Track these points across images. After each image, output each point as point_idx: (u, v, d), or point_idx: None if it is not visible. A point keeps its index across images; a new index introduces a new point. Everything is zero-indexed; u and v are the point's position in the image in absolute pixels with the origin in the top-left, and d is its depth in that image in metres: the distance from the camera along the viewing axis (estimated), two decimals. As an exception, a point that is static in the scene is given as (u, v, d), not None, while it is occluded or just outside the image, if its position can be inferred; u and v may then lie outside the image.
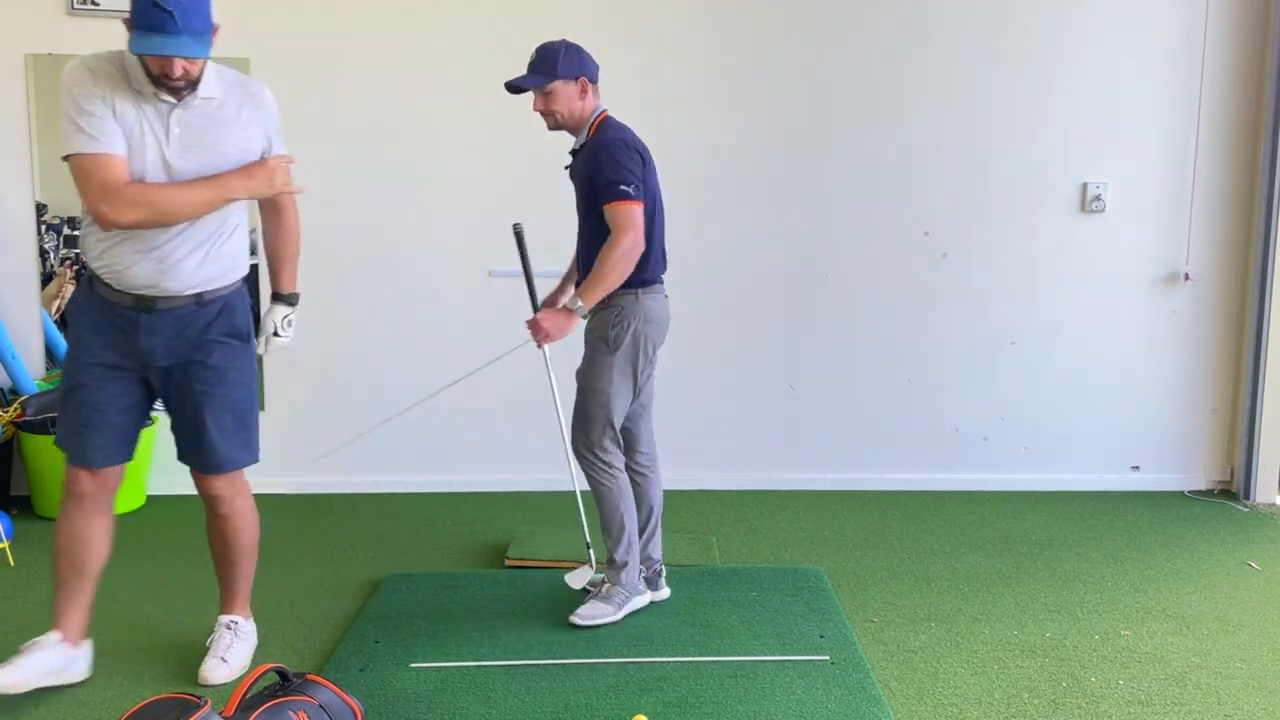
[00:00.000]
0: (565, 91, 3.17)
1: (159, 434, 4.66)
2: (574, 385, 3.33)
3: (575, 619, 3.24)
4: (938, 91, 4.71)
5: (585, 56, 3.23)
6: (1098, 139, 4.74)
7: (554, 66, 3.16)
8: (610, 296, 3.17)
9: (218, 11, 2.80)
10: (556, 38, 3.27)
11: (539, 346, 3.28)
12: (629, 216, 3.08)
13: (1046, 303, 4.83)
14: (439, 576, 3.69)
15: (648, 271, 3.21)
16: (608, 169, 3.10)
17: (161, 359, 2.81)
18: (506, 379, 4.75)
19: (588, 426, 3.26)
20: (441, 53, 4.61)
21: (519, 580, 3.63)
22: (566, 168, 3.31)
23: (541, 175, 4.40)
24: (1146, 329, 4.85)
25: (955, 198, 4.77)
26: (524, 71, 3.22)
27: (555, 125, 3.24)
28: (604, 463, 3.26)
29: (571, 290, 3.33)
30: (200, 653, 3.12)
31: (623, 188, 3.09)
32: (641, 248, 3.12)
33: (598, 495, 3.29)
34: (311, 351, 4.74)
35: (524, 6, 4.60)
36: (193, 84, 2.71)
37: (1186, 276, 4.79)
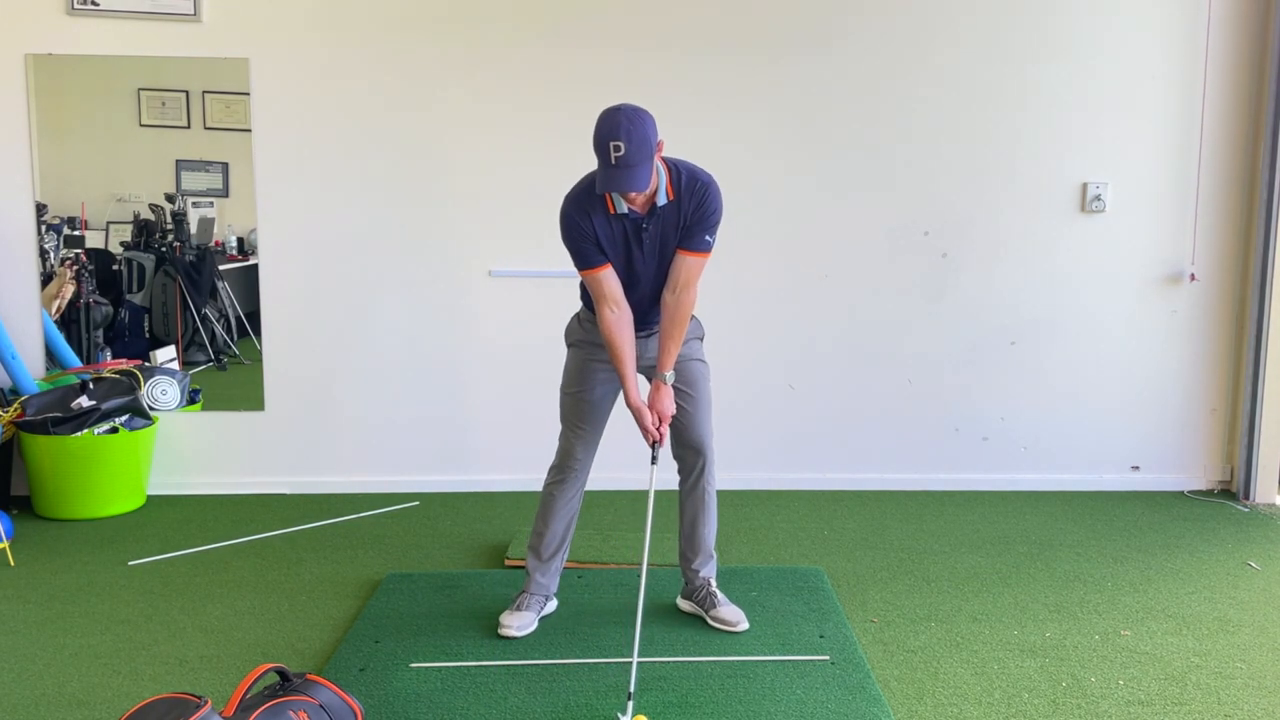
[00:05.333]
0: (652, 169, 2.93)
1: (159, 434, 4.66)
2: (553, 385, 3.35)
3: (740, 625, 3.26)
4: (938, 92, 4.71)
5: (648, 113, 2.92)
6: (1098, 139, 4.74)
7: (652, 146, 2.87)
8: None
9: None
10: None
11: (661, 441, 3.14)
12: (696, 275, 3.06)
13: (1046, 303, 4.83)
14: (439, 576, 3.69)
15: None
16: (710, 219, 3.02)
17: None
18: (506, 379, 4.77)
19: (710, 419, 3.29)
20: (442, 52, 4.60)
21: (519, 580, 3.62)
22: (640, 224, 3.02)
23: (542, 174, 4.40)
24: (1146, 329, 4.85)
25: (955, 198, 4.77)
26: (600, 161, 2.88)
27: (645, 200, 2.98)
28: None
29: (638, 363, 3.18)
30: (199, 653, 3.13)
31: (711, 240, 3.04)
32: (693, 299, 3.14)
33: (713, 494, 3.34)
34: (312, 352, 4.75)
35: (525, 7, 4.60)
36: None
37: (1192, 277, 4.79)
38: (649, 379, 3.21)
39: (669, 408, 3.12)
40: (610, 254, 3.04)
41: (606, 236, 3.03)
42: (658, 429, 3.11)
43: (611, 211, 3.01)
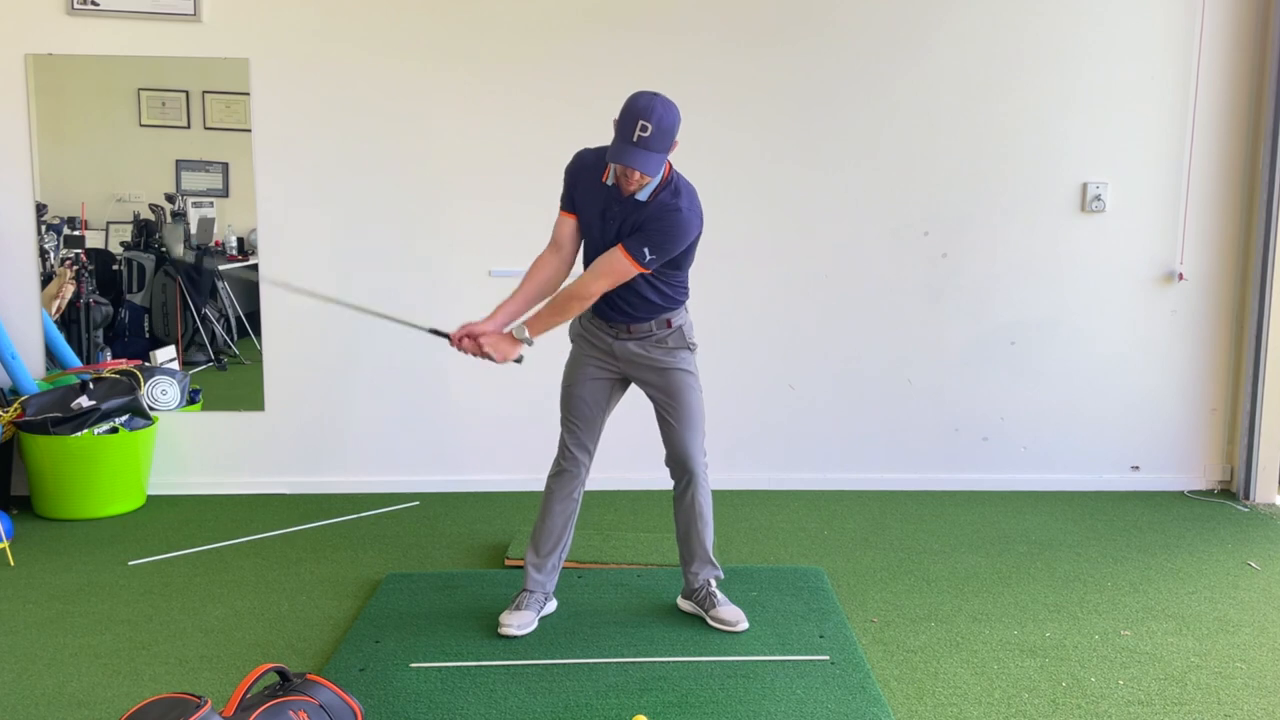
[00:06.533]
0: (665, 162, 2.99)
1: (159, 434, 4.66)
2: (557, 385, 3.35)
3: (740, 625, 3.25)
4: (938, 92, 4.71)
5: (679, 113, 2.99)
6: (1098, 139, 4.74)
7: (671, 141, 2.95)
8: (670, 318, 3.17)
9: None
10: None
11: (462, 350, 3.18)
12: (621, 273, 3.02)
13: (1046, 302, 4.83)
14: (439, 576, 3.69)
15: (688, 287, 3.25)
16: (657, 237, 2.99)
17: None
18: (506, 379, 4.77)
19: (698, 432, 3.26)
20: (442, 52, 4.60)
21: (519, 580, 3.62)
22: (618, 206, 3.06)
23: (543, 173, 4.40)
24: (1146, 329, 4.85)
25: (955, 198, 4.77)
26: (620, 134, 2.94)
27: (636, 189, 3.01)
28: (707, 465, 3.32)
29: (510, 314, 3.18)
30: (199, 653, 3.13)
31: (650, 258, 3.00)
32: (589, 303, 3.10)
33: (705, 505, 3.30)
34: (312, 352, 4.75)
35: (530, 13, 4.59)
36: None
37: (1180, 276, 4.79)
38: (622, 378, 3.28)
39: (485, 345, 3.14)
40: (581, 212, 3.13)
41: (585, 194, 3.11)
42: (460, 342, 3.15)
43: (604, 179, 3.06)
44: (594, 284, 3.06)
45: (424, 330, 3.22)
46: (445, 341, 3.22)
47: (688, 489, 3.29)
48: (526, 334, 3.13)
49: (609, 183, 3.06)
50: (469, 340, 3.15)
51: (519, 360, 3.19)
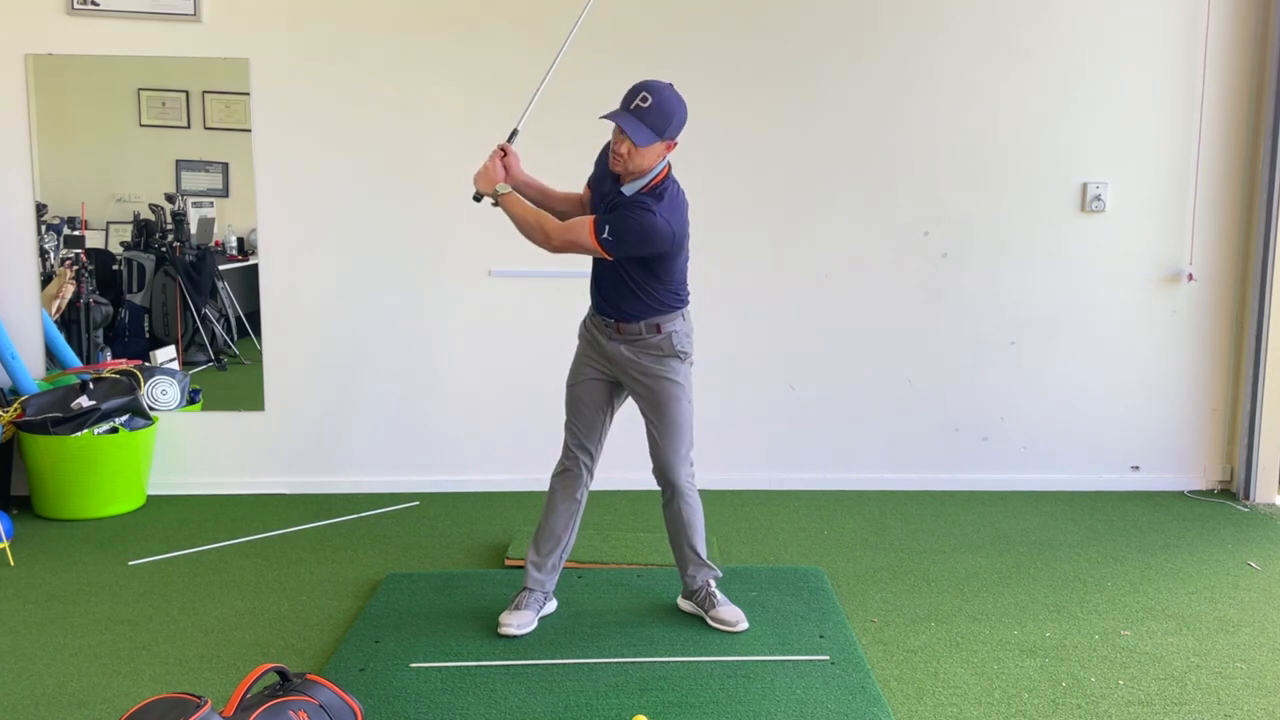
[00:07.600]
0: (657, 149, 3.04)
1: (159, 434, 4.66)
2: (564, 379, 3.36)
3: (740, 625, 3.26)
4: (938, 92, 4.71)
5: (685, 110, 3.07)
6: (1098, 139, 4.74)
7: (667, 126, 3.01)
8: (660, 324, 3.17)
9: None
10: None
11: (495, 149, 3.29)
12: (581, 237, 3.05)
13: (1046, 303, 4.83)
14: (439, 576, 3.69)
15: (686, 294, 3.25)
16: (619, 223, 3.02)
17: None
18: (506, 379, 4.78)
19: (682, 444, 3.25)
20: (442, 52, 4.60)
21: (519, 580, 3.62)
22: (611, 192, 3.16)
23: (543, 173, 4.40)
24: (1146, 329, 4.85)
25: (955, 198, 4.77)
26: (622, 103, 3.04)
27: (622, 168, 3.07)
28: (693, 475, 3.32)
29: (523, 192, 3.29)
30: (199, 653, 3.13)
31: (606, 237, 3.02)
32: (547, 249, 3.14)
33: (692, 513, 3.31)
34: (312, 351, 4.75)
35: (526, 14, 4.59)
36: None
37: (1190, 277, 4.79)
38: (617, 381, 3.29)
39: (495, 160, 3.26)
40: (594, 190, 3.26)
41: (599, 176, 3.24)
42: (505, 145, 3.30)
43: (612, 165, 3.12)
44: (559, 232, 3.11)
45: (519, 124, 3.38)
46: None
47: (672, 500, 3.31)
48: (501, 191, 3.21)
49: (616, 170, 3.12)
50: (500, 151, 3.28)
51: (477, 197, 3.27)
